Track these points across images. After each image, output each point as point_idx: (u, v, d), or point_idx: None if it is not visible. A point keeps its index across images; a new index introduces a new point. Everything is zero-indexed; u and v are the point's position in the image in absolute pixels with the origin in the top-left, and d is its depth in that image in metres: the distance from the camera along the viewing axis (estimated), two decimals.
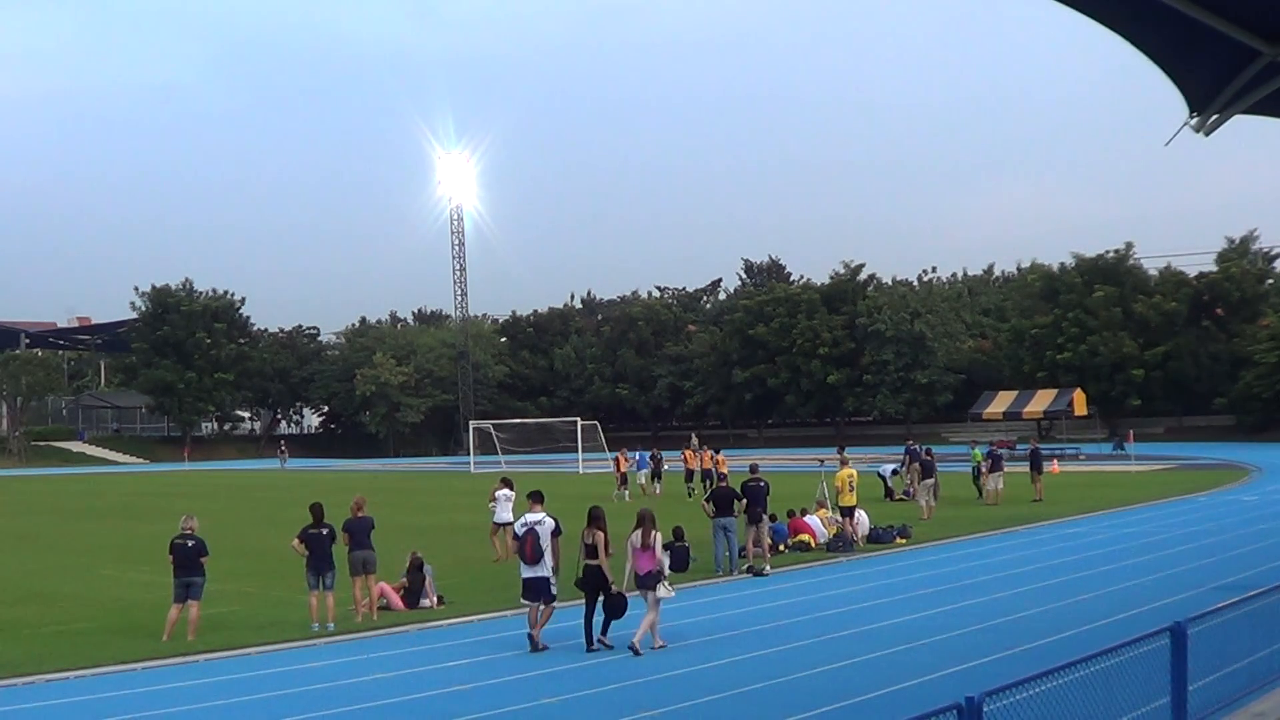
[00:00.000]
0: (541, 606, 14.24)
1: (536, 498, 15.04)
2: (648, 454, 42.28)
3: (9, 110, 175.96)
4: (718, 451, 37.18)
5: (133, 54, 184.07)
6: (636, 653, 13.46)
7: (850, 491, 23.50)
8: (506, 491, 22.26)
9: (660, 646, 13.87)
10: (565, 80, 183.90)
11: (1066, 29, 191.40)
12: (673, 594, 14.51)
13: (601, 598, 14.23)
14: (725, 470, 35.44)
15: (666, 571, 14.78)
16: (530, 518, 14.52)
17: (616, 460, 40.29)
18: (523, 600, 14.51)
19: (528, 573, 14.29)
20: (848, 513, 23.52)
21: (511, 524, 22.05)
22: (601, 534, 14.28)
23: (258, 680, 12.89)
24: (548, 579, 14.24)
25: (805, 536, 23.09)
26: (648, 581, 14.01)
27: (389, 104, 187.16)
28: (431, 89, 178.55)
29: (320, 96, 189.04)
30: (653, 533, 14.30)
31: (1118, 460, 53.26)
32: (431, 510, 35.31)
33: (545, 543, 14.26)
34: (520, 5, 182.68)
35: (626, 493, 38.00)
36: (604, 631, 14.20)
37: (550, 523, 14.46)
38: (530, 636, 14.16)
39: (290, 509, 33.44)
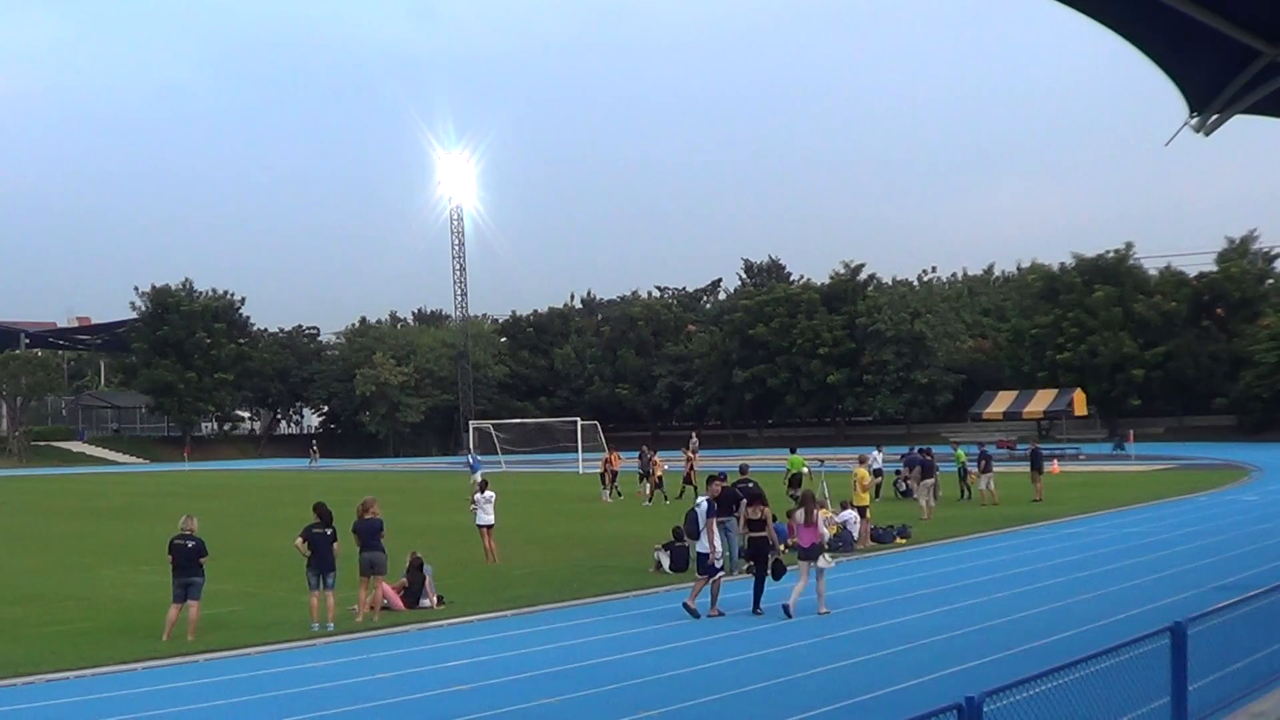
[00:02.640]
0: (707, 579, 16.00)
1: (708, 481, 17.53)
2: (476, 456, 42.65)
3: (8, 109, 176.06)
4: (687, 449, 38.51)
5: (133, 54, 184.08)
6: (788, 615, 15.44)
7: (863, 490, 23.56)
8: (486, 494, 22.24)
9: (824, 613, 15.61)
10: (565, 80, 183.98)
11: (1066, 29, 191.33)
12: (833, 564, 16.55)
13: (771, 564, 16.24)
14: (694, 470, 37.25)
15: (827, 545, 16.55)
16: (697, 500, 16.91)
17: (605, 461, 39.80)
18: (697, 573, 16.47)
19: (695, 547, 16.55)
20: (862, 513, 23.55)
21: (492, 526, 22.14)
22: (766, 508, 16.76)
23: (258, 680, 12.89)
24: (706, 554, 16.10)
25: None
26: (811, 554, 15.79)
27: (389, 104, 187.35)
28: (431, 89, 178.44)
29: (320, 96, 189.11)
30: (814, 510, 16.22)
31: (1118, 460, 53.29)
32: (431, 510, 35.30)
33: (703, 522, 16.23)
34: (520, 5, 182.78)
35: (609, 493, 37.76)
36: (757, 604, 15.98)
37: (705, 504, 16.51)
38: (687, 605, 15.90)
39: (290, 509, 33.49)
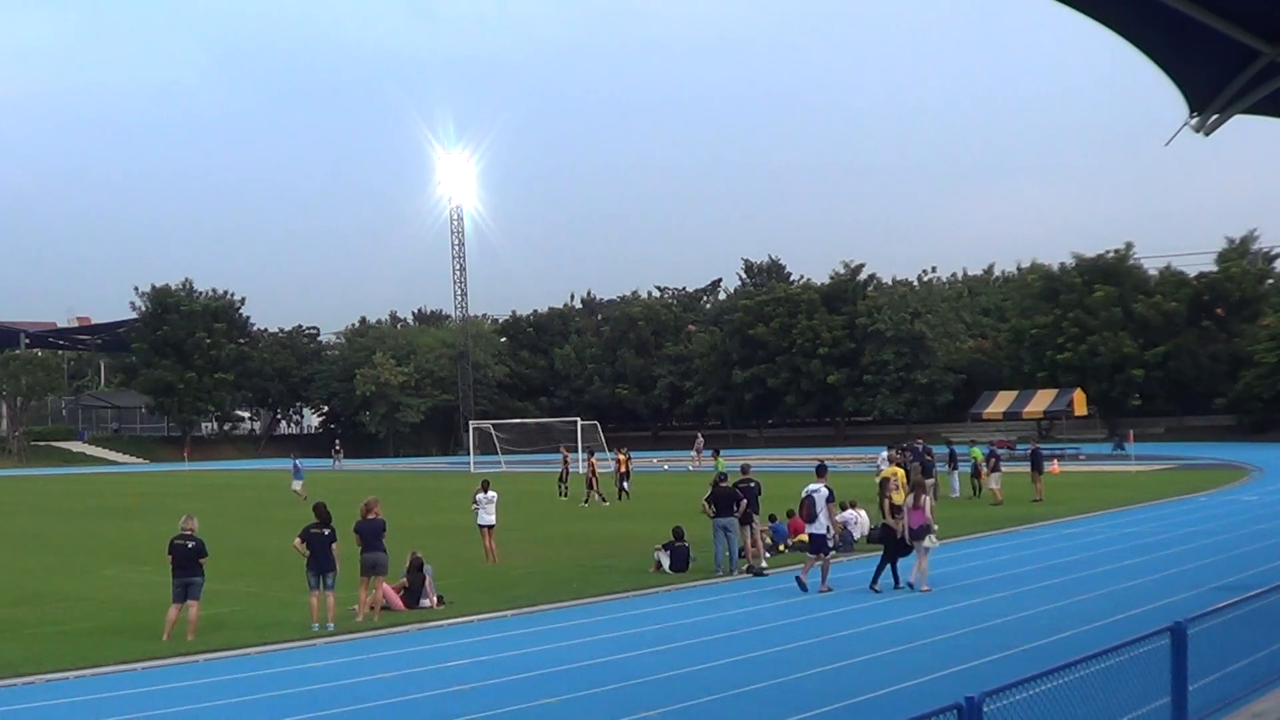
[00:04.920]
0: (820, 557, 17.86)
1: (820, 471, 18.91)
2: (297, 461, 44.34)
3: (9, 110, 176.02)
4: (623, 450, 39.28)
5: (133, 54, 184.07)
6: (911, 587, 17.31)
7: (896, 490, 23.30)
8: (489, 494, 22.21)
9: (926, 590, 17.19)
10: (565, 80, 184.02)
11: (1066, 29, 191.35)
12: (937, 544, 18.14)
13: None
14: (627, 470, 37.97)
15: (934, 526, 18.03)
16: (811, 487, 18.30)
17: (590, 464, 38.99)
18: (807, 553, 18.29)
19: (809, 529, 18.19)
20: (894, 511, 23.25)
21: (493, 526, 22.11)
22: (888, 500, 18.35)
23: (258, 680, 12.88)
24: (824, 535, 17.94)
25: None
26: (919, 534, 17.51)
27: (389, 104, 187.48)
28: (431, 89, 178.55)
29: (320, 97, 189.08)
30: (922, 496, 17.80)
31: (1118, 460, 53.26)
32: (431, 510, 35.29)
33: (820, 507, 17.94)
34: (520, 5, 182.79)
35: (596, 494, 37.50)
36: (895, 578, 17.63)
37: (825, 491, 18.14)
38: (799, 579, 17.85)
39: (290, 509, 33.51)
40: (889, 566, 17.88)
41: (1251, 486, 37.49)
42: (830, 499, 18.30)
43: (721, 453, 35.01)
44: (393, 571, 17.14)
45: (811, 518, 18.11)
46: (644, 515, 30.93)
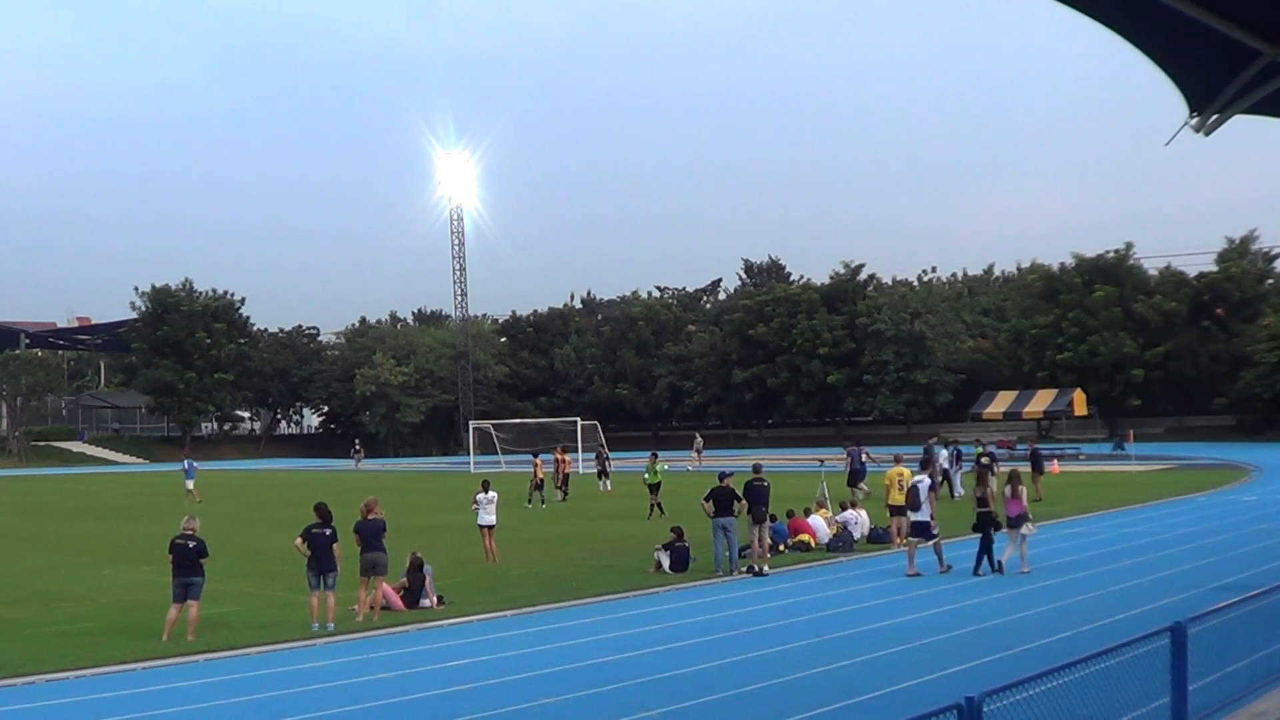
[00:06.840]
0: (922, 541, 19.45)
1: (924, 464, 21.38)
2: (190, 462, 45.90)
3: (9, 108, 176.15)
4: (565, 451, 40.50)
5: (133, 53, 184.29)
6: (1002, 572, 18.60)
7: (899, 490, 23.20)
8: (489, 494, 22.20)
9: (1026, 571, 18.67)
10: (565, 80, 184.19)
11: (1066, 29, 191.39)
12: (1035, 530, 19.50)
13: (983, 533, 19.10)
14: (568, 471, 38.84)
15: (1030, 515, 19.32)
16: (916, 478, 20.40)
17: (557, 462, 39.00)
18: (911, 538, 19.81)
19: (913, 517, 19.83)
20: (899, 511, 23.13)
21: (493, 526, 22.09)
22: (988, 489, 19.61)
23: (258, 680, 12.89)
24: (927, 522, 19.49)
25: (805, 536, 23.06)
26: (1016, 522, 18.85)
27: (389, 104, 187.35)
28: (431, 89, 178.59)
29: (320, 96, 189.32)
30: (1019, 487, 18.99)
31: (1118, 460, 53.23)
32: (431, 510, 35.28)
33: (924, 496, 19.69)
34: (520, 5, 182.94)
35: (562, 494, 37.70)
36: (993, 563, 18.82)
37: (928, 481, 20.15)
38: (943, 559, 19.51)
39: (291, 509, 33.49)
40: (987, 552, 18.94)
41: (1251, 486, 37.47)
42: (933, 488, 20.22)
43: (660, 455, 35.11)
44: (393, 571, 17.13)
45: (916, 506, 19.73)
46: (643, 515, 30.91)
